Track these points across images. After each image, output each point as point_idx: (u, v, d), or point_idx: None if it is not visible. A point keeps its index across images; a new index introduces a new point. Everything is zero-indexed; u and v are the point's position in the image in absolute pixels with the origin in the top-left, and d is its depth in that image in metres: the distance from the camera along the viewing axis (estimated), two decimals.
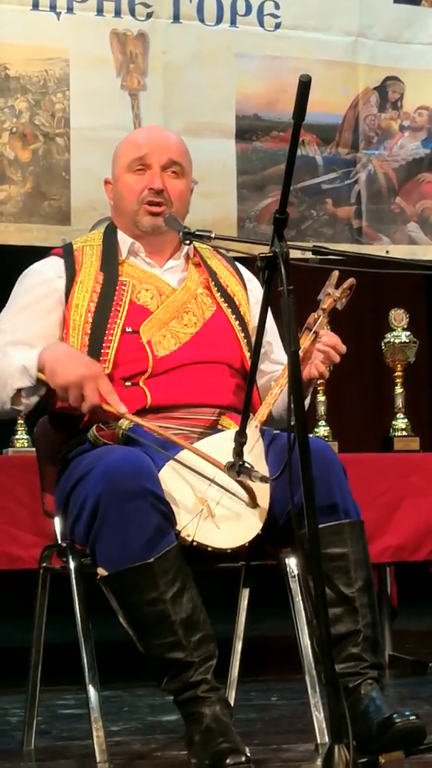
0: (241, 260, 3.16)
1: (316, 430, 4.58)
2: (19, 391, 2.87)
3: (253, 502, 2.73)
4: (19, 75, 4.94)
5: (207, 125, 5.13)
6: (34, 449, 3.24)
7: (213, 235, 2.79)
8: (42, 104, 4.97)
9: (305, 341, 2.92)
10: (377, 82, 5.47)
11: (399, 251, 5.39)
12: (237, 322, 3.04)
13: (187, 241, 2.93)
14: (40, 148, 4.97)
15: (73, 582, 2.83)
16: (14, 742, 3.07)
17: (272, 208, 4.83)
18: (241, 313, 3.06)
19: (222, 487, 2.73)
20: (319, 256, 2.61)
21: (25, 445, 4.33)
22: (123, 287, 3.00)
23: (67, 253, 3.05)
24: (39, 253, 3.18)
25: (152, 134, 3.15)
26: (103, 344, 2.92)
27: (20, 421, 4.32)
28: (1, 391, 2.88)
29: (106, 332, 2.93)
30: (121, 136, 3.19)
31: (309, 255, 2.74)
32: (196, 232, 2.82)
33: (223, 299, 3.06)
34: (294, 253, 2.52)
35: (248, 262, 2.83)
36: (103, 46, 5.07)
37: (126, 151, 3.08)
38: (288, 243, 2.48)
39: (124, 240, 3.07)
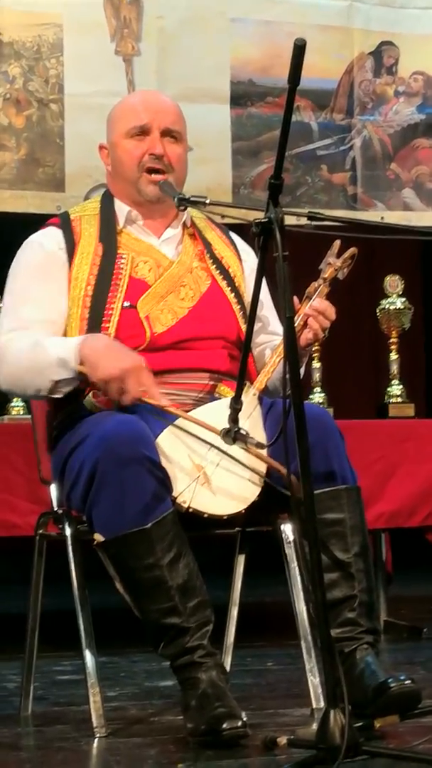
0: (236, 226, 3.15)
1: (311, 396, 4.58)
2: (56, 381, 2.86)
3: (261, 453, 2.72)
4: (12, 40, 4.92)
5: (201, 91, 5.11)
6: (29, 416, 3.23)
7: (208, 201, 2.78)
8: (36, 70, 4.94)
9: (304, 309, 2.91)
10: (372, 47, 5.44)
11: (394, 217, 5.38)
12: (232, 294, 3.03)
13: (182, 207, 2.92)
14: (34, 114, 4.95)
15: (70, 548, 2.83)
16: (11, 708, 3.09)
17: (267, 174, 4.80)
18: (236, 285, 3.05)
19: (222, 451, 2.73)
20: (314, 222, 2.60)
21: (21, 412, 4.33)
22: (122, 260, 2.98)
23: (65, 223, 3.03)
24: (34, 220, 3.17)
25: (150, 99, 3.13)
26: (104, 319, 2.91)
27: None
28: (35, 378, 2.85)
29: (106, 307, 2.92)
30: (116, 102, 3.17)
31: (304, 221, 2.73)
32: (191, 198, 2.81)
33: (218, 272, 3.05)
34: (289, 219, 2.51)
35: (243, 228, 2.83)
36: (97, 11, 5.04)
37: (123, 117, 3.05)
38: (283, 209, 2.48)
39: (120, 208, 3.05)
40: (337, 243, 2.98)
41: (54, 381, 2.84)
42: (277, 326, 3.11)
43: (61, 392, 2.87)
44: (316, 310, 2.91)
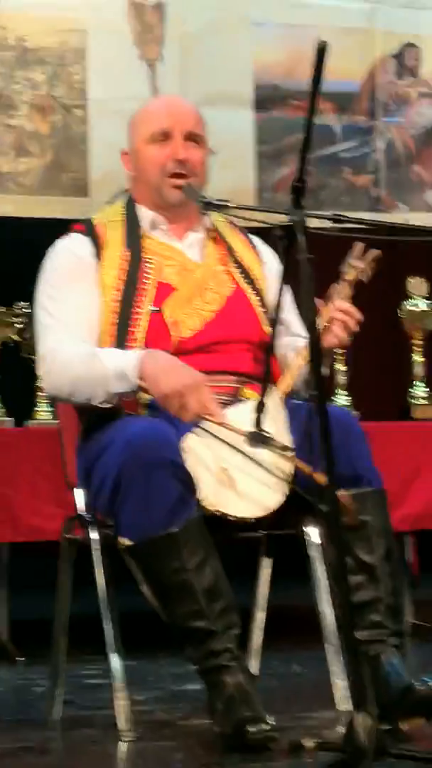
0: (260, 230, 3.15)
1: (335, 399, 4.58)
2: (113, 393, 2.86)
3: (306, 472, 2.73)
4: (37, 47, 4.94)
5: (224, 95, 5.12)
6: (54, 421, 3.24)
7: (232, 205, 2.78)
8: (60, 76, 4.96)
9: (327, 312, 2.91)
10: (395, 49, 5.44)
11: (418, 219, 5.37)
12: (256, 298, 3.03)
13: (206, 212, 2.93)
14: (58, 120, 4.96)
15: (95, 553, 2.84)
16: (39, 712, 3.10)
17: (290, 177, 4.80)
18: (259, 288, 3.05)
19: (246, 455, 2.74)
20: (338, 225, 2.61)
21: (46, 416, 4.34)
22: (148, 264, 2.98)
23: (90, 229, 3.03)
24: (59, 226, 3.17)
25: (171, 104, 3.14)
26: (131, 325, 2.92)
27: (40, 393, 4.32)
28: (90, 388, 2.84)
29: (134, 312, 2.92)
30: (138, 107, 3.18)
31: (328, 224, 2.73)
32: (216, 202, 2.81)
33: (241, 275, 3.05)
34: (313, 223, 2.51)
35: (267, 232, 2.83)
36: (121, 17, 5.06)
37: (145, 122, 3.06)
38: (306, 211, 2.48)
39: (144, 213, 3.06)
40: (360, 245, 2.98)
41: (112, 393, 2.84)
42: (299, 328, 3.11)
43: (112, 403, 2.87)
44: (343, 311, 2.91)
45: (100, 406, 2.87)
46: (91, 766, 2.58)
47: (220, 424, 2.76)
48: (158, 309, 2.93)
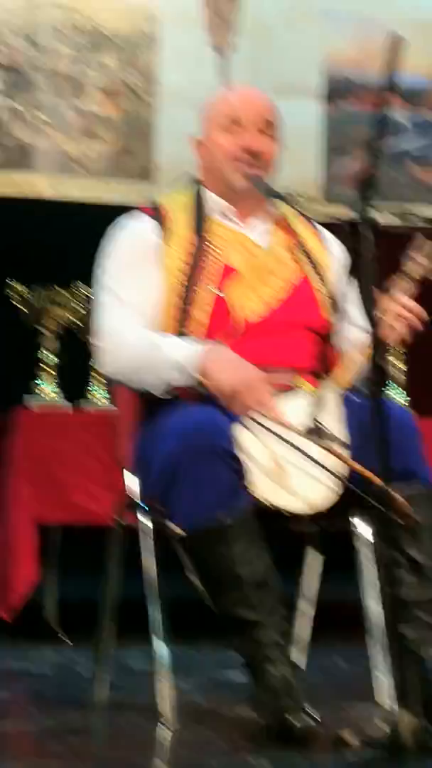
0: (326, 224, 3.14)
1: (391, 394, 4.55)
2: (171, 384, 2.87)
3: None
4: (110, 33, 4.94)
5: (294, 85, 5.11)
6: (107, 402, 3.24)
7: (301, 198, 2.77)
8: (132, 62, 4.96)
9: (384, 304, 2.90)
10: None
11: None
12: (321, 287, 3.02)
13: (275, 203, 2.92)
14: (129, 106, 4.97)
15: (144, 539, 2.84)
16: (84, 695, 3.11)
17: (357, 170, 4.80)
18: (324, 278, 3.04)
19: (299, 450, 2.73)
20: (407, 224, 2.59)
21: (101, 399, 4.34)
22: (214, 250, 2.98)
23: (157, 212, 3.03)
24: (124, 211, 3.17)
25: (247, 94, 3.12)
26: (194, 307, 2.91)
27: (95, 375, 4.32)
28: (150, 376, 2.86)
29: (198, 295, 2.92)
30: (210, 95, 3.17)
31: (393, 219, 2.72)
32: (284, 195, 2.80)
33: (308, 264, 3.04)
34: (378, 217, 2.50)
35: (333, 226, 2.82)
36: (194, 4, 5.05)
37: (220, 110, 3.05)
38: (374, 206, 2.46)
39: (213, 200, 3.05)
40: (421, 240, 2.96)
41: (170, 384, 2.85)
42: (360, 322, 3.09)
43: (171, 393, 2.87)
44: (402, 305, 2.89)
45: (157, 395, 2.87)
46: (132, 751, 2.59)
47: (277, 422, 2.75)
48: (221, 292, 2.92)
